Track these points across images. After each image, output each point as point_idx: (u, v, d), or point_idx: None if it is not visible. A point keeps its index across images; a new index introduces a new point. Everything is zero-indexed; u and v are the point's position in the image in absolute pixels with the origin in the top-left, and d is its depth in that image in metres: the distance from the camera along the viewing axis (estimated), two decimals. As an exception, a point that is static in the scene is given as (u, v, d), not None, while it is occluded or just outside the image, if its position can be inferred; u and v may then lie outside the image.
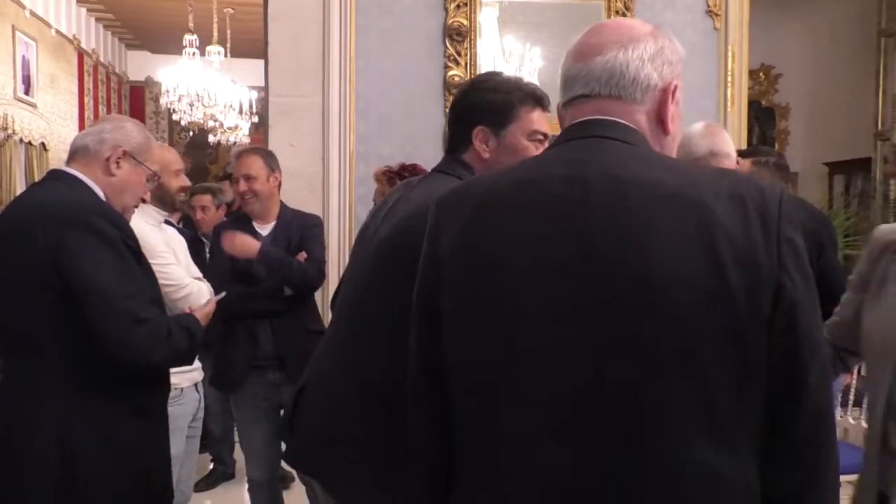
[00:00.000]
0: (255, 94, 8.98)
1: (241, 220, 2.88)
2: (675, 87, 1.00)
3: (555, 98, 1.11)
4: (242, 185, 2.77)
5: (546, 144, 1.52)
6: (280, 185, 2.86)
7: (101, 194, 1.70)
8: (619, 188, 0.89)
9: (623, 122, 0.98)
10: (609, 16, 3.84)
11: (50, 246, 1.54)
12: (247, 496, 3.11)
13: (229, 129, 8.59)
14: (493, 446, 0.93)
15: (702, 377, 0.85)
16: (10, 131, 6.99)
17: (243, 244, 2.67)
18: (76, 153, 1.73)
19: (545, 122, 1.51)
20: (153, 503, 1.75)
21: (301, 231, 2.83)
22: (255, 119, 8.43)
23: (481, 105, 1.48)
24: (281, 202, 2.89)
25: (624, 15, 3.85)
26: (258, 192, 2.77)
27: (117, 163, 1.71)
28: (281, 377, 2.71)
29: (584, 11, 3.89)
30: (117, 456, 1.62)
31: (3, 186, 7.05)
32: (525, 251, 0.91)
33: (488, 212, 0.97)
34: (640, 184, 0.89)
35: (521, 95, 1.48)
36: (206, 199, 4.01)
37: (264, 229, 2.83)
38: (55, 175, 1.73)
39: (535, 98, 1.50)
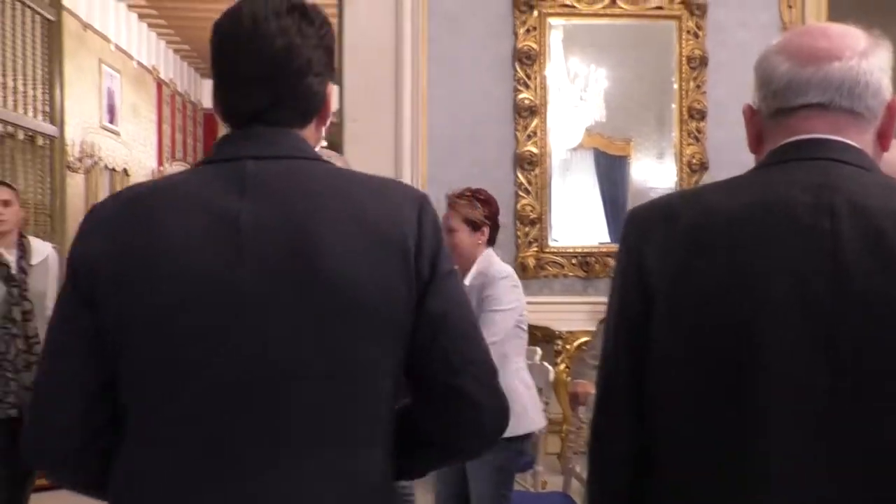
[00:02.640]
0: (323, 120, 9.16)
1: None
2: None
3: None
4: None
5: None
6: None
7: None
8: (871, 222, 0.80)
9: (855, 145, 0.87)
10: (681, 36, 3.81)
11: None
12: None
13: (298, 153, 8.82)
14: None
15: None
16: (96, 158, 7.37)
17: None
18: None
19: None
20: None
21: None
22: (324, 144, 8.63)
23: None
24: None
25: (696, 35, 3.81)
26: None
27: None
28: None
29: (653, 32, 3.88)
30: None
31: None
32: (769, 285, 0.81)
33: (714, 236, 0.86)
34: (891, 216, 0.80)
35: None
36: None
37: None
38: None
39: None
